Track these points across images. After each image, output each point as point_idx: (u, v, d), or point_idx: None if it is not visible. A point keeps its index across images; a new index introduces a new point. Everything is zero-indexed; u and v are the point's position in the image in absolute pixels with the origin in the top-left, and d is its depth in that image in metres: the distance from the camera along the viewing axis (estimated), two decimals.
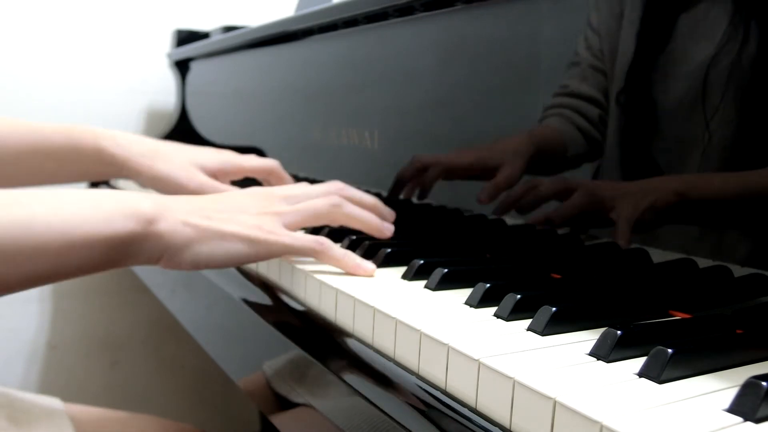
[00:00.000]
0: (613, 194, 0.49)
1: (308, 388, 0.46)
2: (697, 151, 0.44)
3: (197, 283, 0.71)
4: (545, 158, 0.55)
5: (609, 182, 0.50)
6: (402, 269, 0.54)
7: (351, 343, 0.45)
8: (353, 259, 0.53)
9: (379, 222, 0.58)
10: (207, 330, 0.72)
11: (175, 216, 0.49)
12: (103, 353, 1.46)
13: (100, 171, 0.73)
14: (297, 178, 0.95)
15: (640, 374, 0.33)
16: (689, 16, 0.45)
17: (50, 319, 1.41)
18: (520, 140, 0.57)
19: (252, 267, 0.62)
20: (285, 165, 0.99)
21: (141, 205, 0.48)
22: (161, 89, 1.45)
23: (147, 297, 1.41)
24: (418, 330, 0.39)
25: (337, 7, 0.78)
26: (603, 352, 0.35)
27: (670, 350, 0.33)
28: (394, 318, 0.41)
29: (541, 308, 0.40)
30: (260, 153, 1.06)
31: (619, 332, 0.35)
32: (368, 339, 0.44)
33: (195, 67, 1.34)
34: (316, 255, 0.53)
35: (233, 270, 0.63)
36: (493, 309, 0.43)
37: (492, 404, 0.33)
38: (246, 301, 0.58)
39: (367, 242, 0.58)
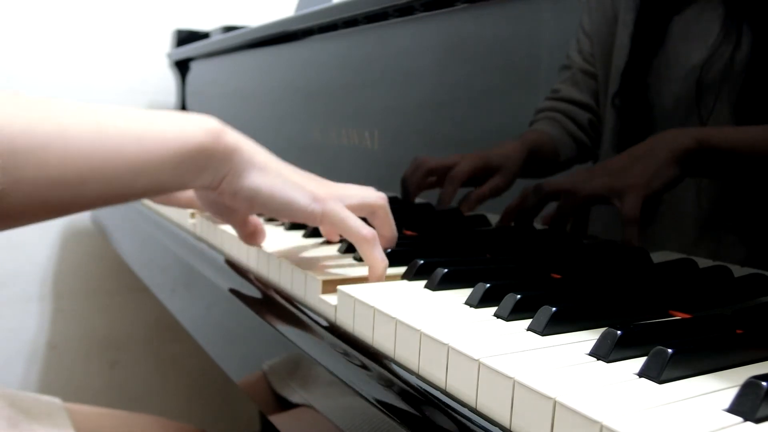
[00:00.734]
0: (612, 178, 0.49)
1: (308, 388, 0.46)
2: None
3: (197, 283, 0.71)
4: (537, 163, 0.56)
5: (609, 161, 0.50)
6: (402, 269, 0.54)
7: (351, 343, 0.45)
8: (385, 268, 0.51)
9: (395, 243, 0.58)
10: (207, 330, 0.72)
11: (246, 140, 0.51)
12: (103, 353, 1.46)
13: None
14: None
15: (640, 374, 0.33)
16: (683, 18, 0.45)
17: (50, 319, 1.41)
18: (513, 148, 0.57)
19: (252, 266, 0.62)
20: None
21: (210, 121, 0.49)
22: (161, 89, 1.45)
23: (147, 297, 1.41)
24: (418, 330, 0.39)
25: (337, 7, 0.78)
26: (603, 352, 0.35)
27: (670, 350, 0.33)
28: (394, 318, 0.41)
29: (541, 308, 0.40)
30: None
31: (619, 332, 0.35)
32: (368, 339, 0.44)
33: (195, 67, 1.34)
34: (363, 242, 0.51)
35: (233, 270, 0.63)
36: (493, 309, 0.43)
37: (492, 404, 0.33)
38: (246, 301, 0.58)
39: None
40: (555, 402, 0.29)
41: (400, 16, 0.70)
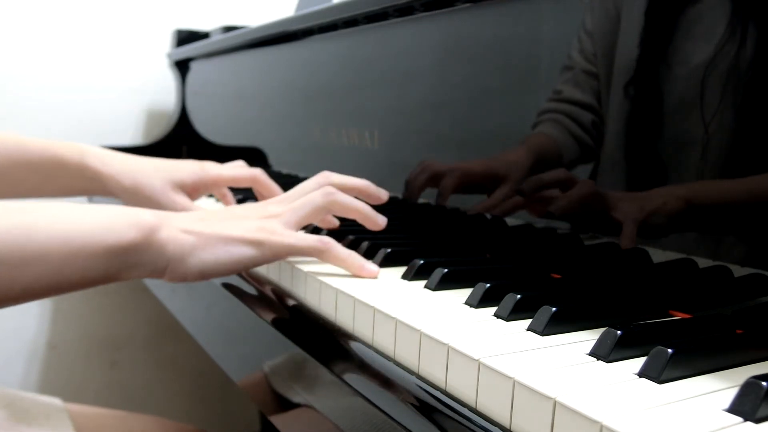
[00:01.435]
0: (618, 198, 0.49)
1: (308, 388, 0.46)
2: (695, 153, 0.44)
3: (197, 284, 0.71)
4: (542, 167, 0.56)
5: (612, 186, 0.50)
6: (402, 269, 0.54)
7: (351, 343, 0.45)
8: (358, 259, 0.52)
9: (372, 212, 0.58)
10: (207, 330, 0.72)
11: (176, 224, 0.49)
12: (103, 353, 1.46)
13: (84, 186, 0.73)
14: (297, 179, 0.95)
15: (640, 374, 0.33)
16: (687, 18, 0.45)
17: (50, 319, 1.41)
18: (519, 156, 0.57)
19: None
20: (285, 165, 0.99)
21: (142, 215, 0.48)
22: (161, 89, 1.45)
23: (147, 297, 1.41)
24: (418, 330, 0.39)
25: (337, 7, 0.78)
26: (603, 352, 0.35)
27: (670, 350, 0.33)
28: (394, 318, 0.41)
29: (541, 308, 0.40)
30: (260, 153, 1.06)
31: (619, 332, 0.35)
32: (368, 339, 0.44)
33: (195, 67, 1.34)
34: (320, 255, 0.52)
35: None
36: (493, 309, 0.43)
37: (492, 404, 0.33)
38: (246, 301, 0.58)
39: (366, 243, 0.58)
40: (555, 402, 0.29)
41: (400, 16, 0.70)
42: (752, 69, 0.41)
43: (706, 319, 0.41)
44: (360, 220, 0.58)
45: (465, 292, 0.46)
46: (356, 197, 0.58)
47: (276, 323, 0.52)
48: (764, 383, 0.29)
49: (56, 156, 0.71)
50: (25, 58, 1.33)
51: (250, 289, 0.59)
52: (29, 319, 1.38)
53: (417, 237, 0.68)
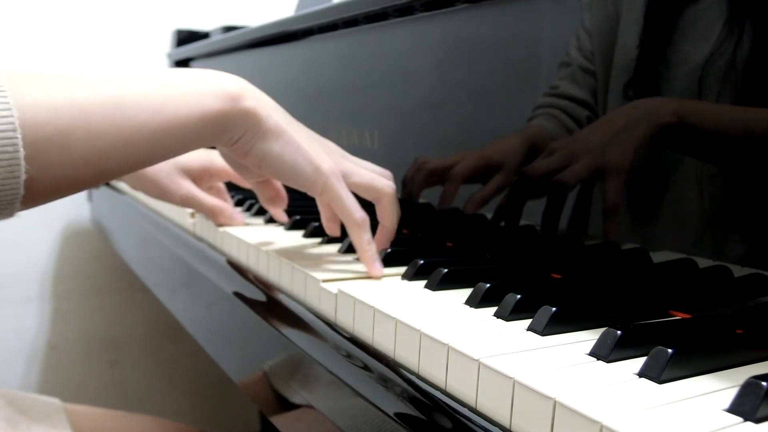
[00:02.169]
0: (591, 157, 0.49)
1: (308, 389, 0.46)
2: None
3: (197, 283, 0.71)
4: (536, 156, 0.56)
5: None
6: (402, 269, 0.54)
7: (351, 343, 0.45)
8: (375, 252, 0.53)
9: (394, 235, 0.59)
10: (207, 330, 0.72)
11: (265, 101, 0.52)
12: (103, 353, 1.46)
13: None
14: None
15: (640, 374, 0.33)
16: (685, 16, 0.45)
17: (50, 319, 1.41)
18: (514, 144, 0.57)
19: (252, 266, 0.62)
20: None
21: (228, 85, 0.49)
22: None
23: (147, 297, 1.41)
24: (418, 330, 0.39)
25: (337, 7, 0.78)
26: (603, 352, 0.35)
27: (670, 350, 0.33)
28: (394, 318, 0.41)
29: (541, 308, 0.40)
30: None
31: (619, 332, 0.35)
32: (368, 339, 0.44)
33: (195, 67, 1.34)
34: (353, 225, 0.53)
35: (233, 270, 0.63)
36: (494, 309, 0.43)
37: (492, 404, 0.33)
38: (246, 301, 0.58)
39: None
40: (555, 402, 0.29)
41: (400, 16, 0.70)
42: (750, 68, 0.41)
43: (706, 319, 0.41)
44: (382, 229, 0.58)
45: (465, 292, 0.46)
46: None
47: (276, 323, 0.52)
48: (764, 383, 0.29)
49: None
50: (25, 58, 1.33)
51: (250, 289, 0.59)
52: (29, 319, 1.38)
53: (417, 237, 0.68)
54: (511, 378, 0.32)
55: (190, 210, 0.79)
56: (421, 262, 0.52)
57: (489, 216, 0.60)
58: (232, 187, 0.84)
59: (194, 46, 1.28)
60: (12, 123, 0.39)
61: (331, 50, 0.85)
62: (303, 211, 0.74)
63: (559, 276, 0.53)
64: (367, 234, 0.53)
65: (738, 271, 0.42)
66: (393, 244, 0.58)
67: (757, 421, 0.28)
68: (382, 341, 0.42)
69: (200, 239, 0.76)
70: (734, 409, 0.29)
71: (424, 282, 0.50)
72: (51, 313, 1.41)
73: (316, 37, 0.87)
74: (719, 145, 0.42)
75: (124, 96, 0.45)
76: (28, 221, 1.27)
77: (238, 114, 0.49)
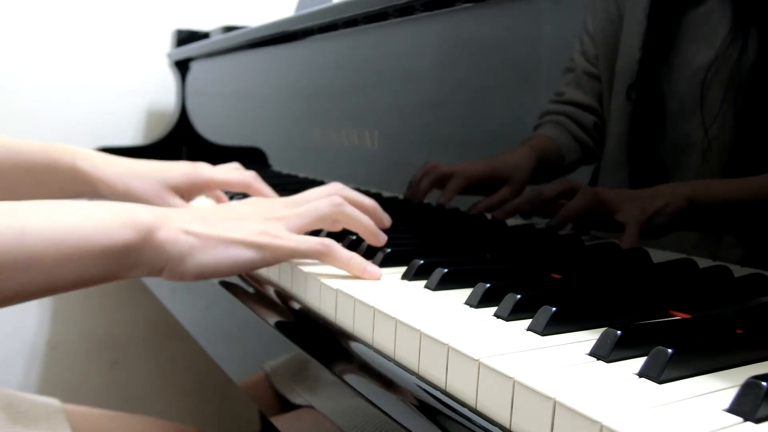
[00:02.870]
0: (620, 198, 0.49)
1: (309, 389, 0.46)
2: (696, 156, 0.44)
3: (197, 283, 0.71)
4: (544, 169, 0.56)
5: (615, 188, 0.50)
6: (402, 269, 0.54)
7: (351, 343, 0.45)
8: (360, 261, 0.52)
9: (375, 228, 0.58)
10: (207, 330, 0.72)
11: (175, 224, 0.48)
12: (103, 353, 1.46)
13: (76, 189, 0.73)
14: (297, 178, 0.95)
15: (640, 374, 0.33)
16: (690, 21, 0.45)
17: (50, 319, 1.41)
18: (523, 158, 0.57)
19: None
20: (285, 165, 0.99)
21: (139, 214, 0.47)
22: (161, 89, 1.45)
23: (147, 297, 1.41)
24: (418, 330, 0.39)
25: (337, 7, 0.78)
26: (603, 352, 0.35)
27: (670, 350, 0.33)
28: (394, 318, 0.41)
29: (541, 308, 0.40)
30: (260, 153, 1.06)
31: (619, 332, 0.35)
32: (368, 339, 0.44)
33: (195, 67, 1.34)
34: (321, 257, 0.52)
35: None
36: (493, 309, 0.43)
37: (492, 404, 0.33)
38: (246, 302, 0.58)
39: (365, 243, 0.58)
40: (555, 402, 0.29)
41: (400, 16, 0.70)
42: (754, 72, 0.41)
43: (706, 319, 0.41)
44: (363, 234, 0.57)
45: (465, 292, 0.46)
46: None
47: (276, 323, 0.52)
48: (764, 383, 0.29)
49: (49, 159, 0.71)
50: (25, 57, 1.33)
51: (250, 290, 0.59)
52: (29, 319, 1.38)
53: (417, 237, 0.68)
54: (511, 378, 0.32)
55: None
56: (421, 262, 0.52)
57: (489, 216, 0.61)
58: None
59: (194, 46, 1.28)
60: None
61: (331, 50, 0.85)
62: None
63: (559, 276, 0.53)
64: (339, 252, 0.52)
65: (738, 271, 0.42)
66: (393, 244, 0.58)
67: (757, 421, 0.28)
68: (382, 341, 0.42)
69: None
70: (734, 409, 0.29)
71: (424, 282, 0.50)
72: (51, 313, 1.41)
73: (316, 37, 0.87)
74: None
75: (28, 225, 0.42)
76: None
77: (151, 246, 0.46)
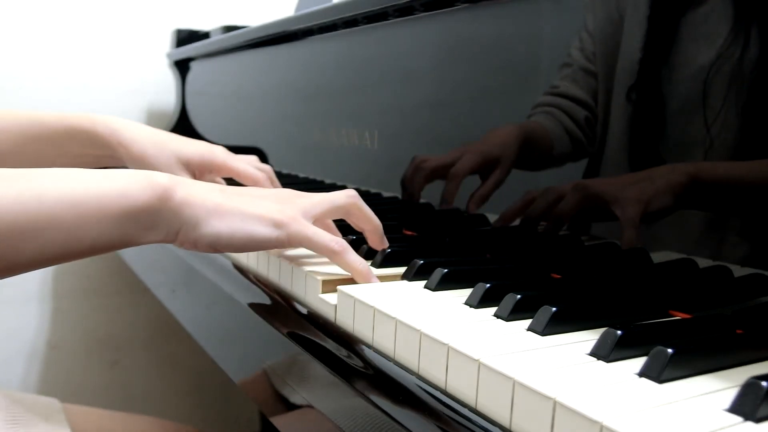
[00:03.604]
0: (616, 189, 0.49)
1: (308, 389, 0.46)
2: (698, 156, 0.44)
3: (197, 283, 0.71)
4: (532, 154, 0.56)
5: (608, 178, 0.50)
6: (402, 269, 0.54)
7: (351, 343, 0.45)
8: (368, 270, 0.51)
9: (382, 231, 0.57)
10: (207, 330, 0.72)
11: (193, 189, 0.48)
12: (103, 353, 1.46)
13: (95, 154, 0.74)
14: (297, 178, 0.95)
15: (640, 374, 0.33)
16: (690, 20, 0.45)
17: (50, 319, 1.41)
18: (509, 135, 0.57)
19: (252, 266, 0.62)
20: (285, 165, 0.99)
21: (156, 177, 0.47)
22: (161, 89, 1.45)
23: (147, 297, 1.41)
24: (418, 330, 0.39)
25: (337, 7, 0.78)
26: (603, 352, 0.35)
27: (670, 350, 0.33)
28: (394, 318, 0.41)
29: (541, 308, 0.40)
30: (260, 153, 1.06)
31: (619, 332, 0.35)
32: (368, 339, 0.44)
33: (195, 67, 1.34)
34: (332, 255, 0.51)
35: (233, 270, 0.63)
36: (493, 309, 0.43)
37: (492, 404, 0.33)
38: (245, 301, 0.58)
39: (366, 245, 0.58)
40: (555, 402, 0.29)
41: (400, 16, 0.70)
42: (755, 71, 0.41)
43: (706, 319, 0.41)
44: (370, 233, 0.57)
45: (465, 292, 0.46)
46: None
47: (276, 323, 0.52)
48: (764, 383, 0.29)
49: (68, 126, 0.72)
50: (25, 58, 1.33)
51: (250, 289, 0.59)
52: (29, 319, 1.38)
53: (417, 237, 0.68)
54: (511, 378, 0.32)
55: None
56: (421, 262, 0.52)
57: (489, 216, 0.61)
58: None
59: (194, 46, 1.28)
60: None
61: (331, 50, 0.85)
62: None
63: (559, 276, 0.53)
64: (350, 255, 0.50)
65: (738, 271, 0.42)
66: (393, 244, 0.58)
67: (758, 421, 0.28)
68: (382, 341, 0.42)
69: None
70: (734, 409, 0.29)
71: (424, 282, 0.50)
72: (51, 313, 1.41)
73: (316, 37, 0.87)
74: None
75: (43, 188, 0.42)
76: None
77: (167, 207, 0.46)
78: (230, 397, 1.58)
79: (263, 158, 1.05)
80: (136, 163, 0.73)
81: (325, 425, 0.43)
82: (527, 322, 0.40)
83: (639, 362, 0.34)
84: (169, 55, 1.39)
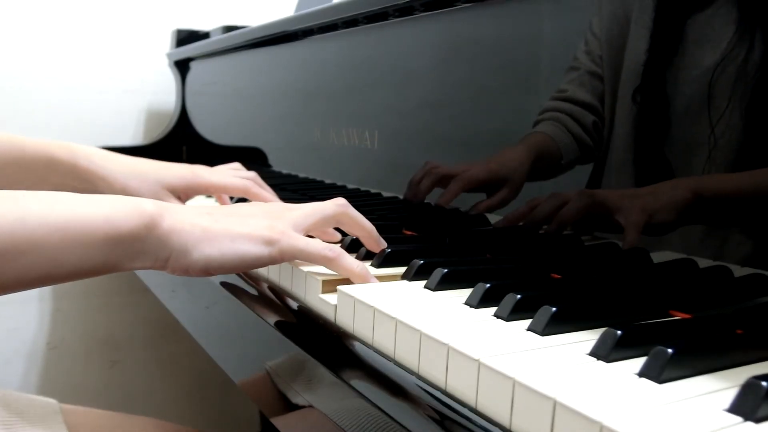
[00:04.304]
0: (621, 198, 0.49)
1: (308, 389, 0.46)
2: (703, 157, 0.44)
3: (197, 283, 0.71)
4: (541, 166, 0.56)
5: (616, 188, 0.50)
6: (402, 269, 0.54)
7: (351, 343, 0.45)
8: (366, 273, 0.51)
9: (377, 234, 0.57)
10: (207, 330, 0.72)
11: (180, 216, 0.47)
12: (102, 353, 1.46)
13: (76, 186, 0.73)
14: (297, 178, 0.95)
15: (640, 374, 0.33)
16: (696, 22, 0.45)
17: (50, 319, 1.41)
18: (521, 158, 0.57)
19: None
20: (285, 165, 0.99)
21: (143, 204, 0.46)
22: (161, 89, 1.45)
23: (147, 297, 1.41)
24: (418, 330, 0.39)
25: (337, 7, 0.78)
26: (603, 352, 0.35)
27: (670, 350, 0.33)
28: (394, 318, 0.41)
29: (541, 308, 0.40)
30: (260, 153, 1.06)
31: (619, 332, 0.35)
32: (368, 339, 0.44)
33: (195, 67, 1.34)
34: (328, 263, 0.51)
35: None
36: (493, 309, 0.43)
37: (492, 404, 0.33)
38: (245, 301, 0.58)
39: (365, 248, 0.58)
40: (555, 402, 0.29)
41: (400, 16, 0.70)
42: (760, 73, 0.41)
43: (706, 319, 0.41)
44: (364, 239, 0.57)
45: (465, 292, 0.46)
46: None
47: (276, 323, 0.52)
48: (764, 383, 0.29)
49: (49, 155, 0.71)
50: (25, 57, 1.33)
51: (250, 289, 0.59)
52: (29, 319, 1.38)
53: (417, 237, 0.68)
54: (511, 378, 0.32)
55: None
56: (421, 262, 0.52)
57: (489, 216, 0.61)
58: None
59: (194, 46, 1.28)
60: None
61: (331, 50, 0.85)
62: None
63: (559, 276, 0.53)
64: (346, 259, 0.50)
65: (738, 271, 0.42)
66: (393, 244, 0.58)
67: (757, 421, 0.28)
68: (382, 341, 0.42)
69: None
70: (734, 409, 0.29)
71: (423, 282, 0.50)
72: (51, 313, 1.41)
73: (316, 37, 0.87)
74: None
75: (28, 210, 0.42)
76: None
77: (155, 236, 0.46)
78: (230, 397, 1.58)
79: (263, 158, 1.05)
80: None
81: (325, 425, 0.43)
82: (527, 322, 0.40)
83: (639, 362, 0.34)
84: (169, 55, 1.39)
